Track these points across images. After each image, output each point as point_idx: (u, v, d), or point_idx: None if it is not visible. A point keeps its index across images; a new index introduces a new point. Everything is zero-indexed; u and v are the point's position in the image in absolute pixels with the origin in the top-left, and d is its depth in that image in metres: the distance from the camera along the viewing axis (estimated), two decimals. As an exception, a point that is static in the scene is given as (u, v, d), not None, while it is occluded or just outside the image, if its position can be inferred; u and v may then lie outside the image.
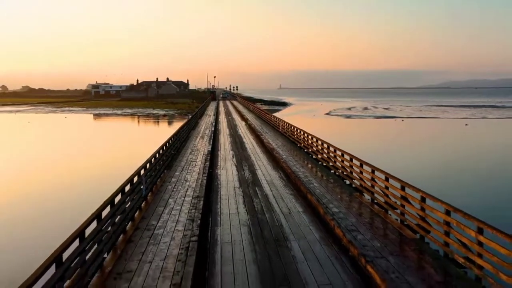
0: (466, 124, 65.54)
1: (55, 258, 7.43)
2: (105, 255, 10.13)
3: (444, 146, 44.63)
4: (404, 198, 12.62)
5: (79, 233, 8.63)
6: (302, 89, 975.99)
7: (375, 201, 14.91)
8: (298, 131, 30.22)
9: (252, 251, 11.08)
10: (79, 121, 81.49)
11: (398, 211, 13.01)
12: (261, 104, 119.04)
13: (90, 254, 9.04)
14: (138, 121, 77.86)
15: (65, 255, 7.86)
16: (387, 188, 13.92)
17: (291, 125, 33.68)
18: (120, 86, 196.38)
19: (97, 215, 9.84)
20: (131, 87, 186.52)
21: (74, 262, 8.23)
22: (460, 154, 39.13)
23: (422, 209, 11.54)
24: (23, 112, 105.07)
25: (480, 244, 8.98)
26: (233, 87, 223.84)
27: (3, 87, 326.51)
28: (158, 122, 75.37)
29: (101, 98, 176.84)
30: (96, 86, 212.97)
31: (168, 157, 22.55)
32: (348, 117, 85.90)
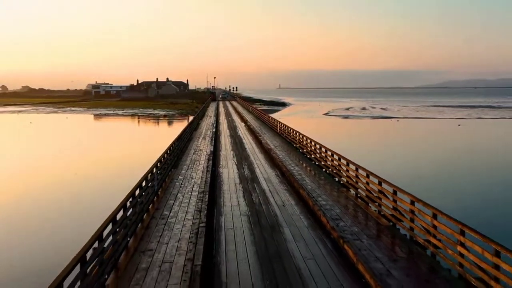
0: (459, 125, 67.72)
1: (98, 236, 9.53)
2: (129, 239, 12.25)
3: (429, 145, 46.85)
4: (381, 192, 14.75)
5: (112, 218, 10.74)
6: (301, 89, 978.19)
7: (359, 195, 17.03)
8: (294, 132, 32.25)
9: (251, 235, 13.27)
10: (81, 121, 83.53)
11: (377, 203, 15.15)
12: (260, 104, 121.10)
13: (118, 236, 11.16)
14: (139, 122, 79.87)
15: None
16: (368, 183, 16.04)
17: (288, 127, 35.73)
18: (120, 86, 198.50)
19: (123, 205, 11.96)
20: (131, 87, 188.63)
21: (109, 241, 10.35)
22: (441, 152, 41.51)
23: (394, 200, 13.67)
24: (25, 112, 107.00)
25: (434, 227, 11.12)
26: (233, 88, 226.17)
27: (3, 87, 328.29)
28: (158, 122, 77.45)
29: (101, 98, 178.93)
30: (96, 86, 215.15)
31: (174, 157, 24.65)
32: (346, 117, 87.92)
